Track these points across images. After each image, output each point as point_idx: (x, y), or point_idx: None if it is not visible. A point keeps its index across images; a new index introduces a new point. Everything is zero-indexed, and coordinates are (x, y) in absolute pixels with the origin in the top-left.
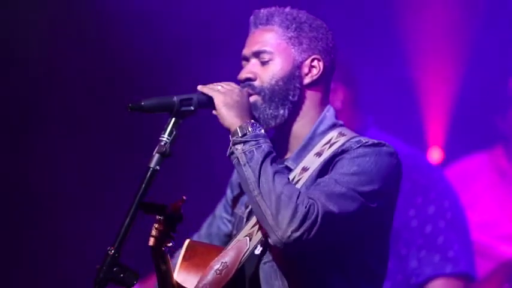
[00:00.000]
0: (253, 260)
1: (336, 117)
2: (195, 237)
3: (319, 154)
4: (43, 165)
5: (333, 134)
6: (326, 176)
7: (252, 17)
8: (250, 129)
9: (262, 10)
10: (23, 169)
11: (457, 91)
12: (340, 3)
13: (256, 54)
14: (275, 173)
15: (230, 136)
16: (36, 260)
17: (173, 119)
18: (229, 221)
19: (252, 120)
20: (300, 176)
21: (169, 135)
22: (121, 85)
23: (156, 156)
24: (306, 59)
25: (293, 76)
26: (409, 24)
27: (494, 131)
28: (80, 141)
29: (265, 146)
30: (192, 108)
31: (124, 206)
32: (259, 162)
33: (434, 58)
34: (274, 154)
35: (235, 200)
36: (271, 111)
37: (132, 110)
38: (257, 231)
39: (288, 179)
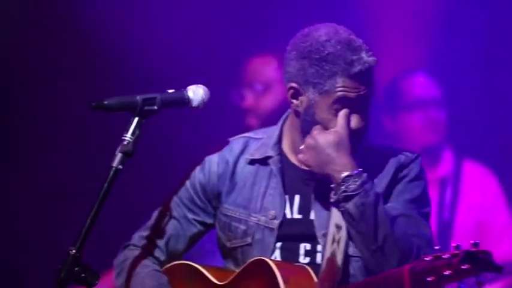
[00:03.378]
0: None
1: None
2: (139, 240)
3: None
4: (2, 164)
5: None
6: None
7: (361, 67)
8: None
9: (370, 60)
10: None
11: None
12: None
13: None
14: (387, 221)
15: (334, 180)
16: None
17: (136, 119)
18: (199, 222)
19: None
20: None
21: (132, 134)
22: (93, 85)
23: (118, 156)
24: None
25: None
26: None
27: (381, 131)
28: (40, 140)
29: (372, 193)
30: (156, 107)
31: (86, 206)
32: (373, 216)
33: None
34: (380, 197)
35: (237, 205)
36: None
37: (95, 109)
38: (337, 247)
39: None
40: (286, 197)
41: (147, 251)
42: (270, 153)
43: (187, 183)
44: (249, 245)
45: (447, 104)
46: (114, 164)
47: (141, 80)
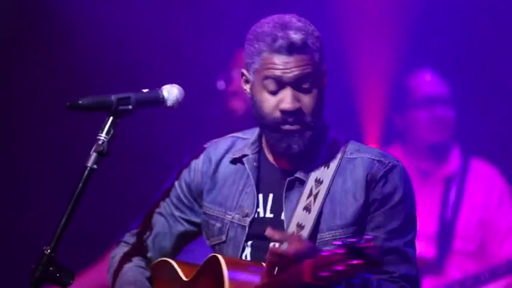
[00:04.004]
0: None
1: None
2: (129, 237)
3: (326, 165)
4: None
5: (328, 141)
6: (380, 237)
7: (282, 42)
8: None
9: (293, 35)
10: None
11: (392, 91)
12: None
13: (298, 81)
14: None
15: None
16: None
17: (111, 118)
18: (185, 220)
19: None
20: (318, 189)
21: (107, 134)
22: (70, 85)
23: (93, 155)
24: (324, 77)
25: (324, 98)
26: (347, 22)
27: (392, 129)
28: (16, 139)
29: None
30: (130, 107)
31: (60, 205)
32: None
33: (370, 56)
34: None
35: (215, 203)
36: (311, 134)
37: (70, 109)
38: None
39: None
40: (260, 195)
41: (135, 247)
42: (247, 151)
43: (176, 181)
44: (224, 242)
45: (455, 102)
46: (89, 164)
47: (125, 77)
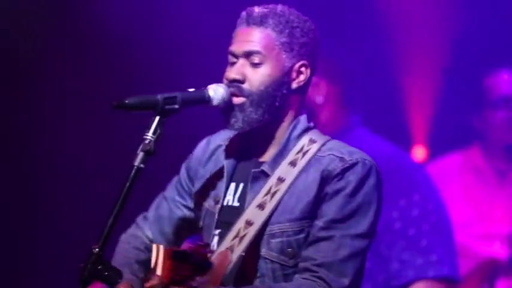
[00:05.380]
0: (234, 273)
1: (308, 120)
2: (141, 220)
3: (293, 164)
4: (27, 164)
5: (304, 140)
6: (318, 225)
7: (244, 14)
8: None
9: (256, 9)
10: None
11: (441, 89)
12: (330, 2)
13: (247, 55)
14: None
15: None
16: (20, 259)
17: (157, 118)
18: (184, 206)
19: None
20: (277, 187)
21: (154, 133)
22: (113, 85)
23: (140, 155)
24: (295, 65)
25: (282, 82)
26: (394, 22)
27: (471, 130)
28: (63, 139)
29: None
30: (177, 106)
31: (108, 204)
32: None
33: (417, 56)
34: None
35: (200, 191)
36: (257, 116)
37: (116, 108)
38: (238, 244)
39: None
40: (233, 184)
41: (140, 228)
42: (226, 141)
43: (182, 166)
44: (201, 229)
45: None
46: (136, 163)
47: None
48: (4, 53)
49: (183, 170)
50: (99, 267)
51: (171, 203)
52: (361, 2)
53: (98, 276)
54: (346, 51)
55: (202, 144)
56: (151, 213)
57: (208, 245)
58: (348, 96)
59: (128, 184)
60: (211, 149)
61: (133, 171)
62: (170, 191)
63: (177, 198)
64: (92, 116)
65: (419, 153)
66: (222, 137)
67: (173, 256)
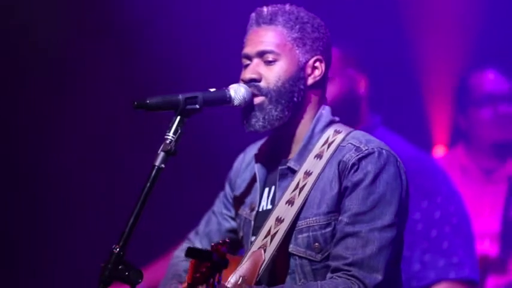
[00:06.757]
0: (268, 272)
1: (332, 114)
2: (193, 235)
3: (319, 156)
4: (47, 163)
5: (329, 132)
6: (344, 221)
7: (254, 15)
8: None
9: (265, 8)
10: (25, 167)
11: (455, 91)
12: (348, 2)
13: (261, 54)
14: None
15: None
16: (41, 258)
17: (178, 117)
18: (231, 218)
19: None
20: (305, 181)
21: (175, 133)
22: (133, 84)
23: (161, 155)
24: (309, 60)
25: (298, 78)
26: (414, 23)
27: (457, 129)
28: (84, 139)
29: None
30: (198, 106)
31: (129, 204)
32: None
33: (438, 56)
34: None
35: (238, 200)
36: (276, 113)
37: (137, 108)
38: (270, 242)
39: None
40: (267, 189)
41: (191, 242)
42: (256, 149)
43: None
44: (241, 238)
45: None
46: (157, 163)
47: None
48: (4, 55)
49: (226, 183)
50: (120, 267)
51: (219, 217)
52: (382, 2)
53: (119, 277)
54: (366, 51)
55: (240, 155)
56: (201, 227)
57: (226, 242)
58: (371, 96)
59: (148, 184)
60: (247, 160)
61: (153, 171)
62: (218, 205)
63: (224, 211)
64: (97, 117)
65: (440, 152)
66: (257, 147)
67: (187, 253)
